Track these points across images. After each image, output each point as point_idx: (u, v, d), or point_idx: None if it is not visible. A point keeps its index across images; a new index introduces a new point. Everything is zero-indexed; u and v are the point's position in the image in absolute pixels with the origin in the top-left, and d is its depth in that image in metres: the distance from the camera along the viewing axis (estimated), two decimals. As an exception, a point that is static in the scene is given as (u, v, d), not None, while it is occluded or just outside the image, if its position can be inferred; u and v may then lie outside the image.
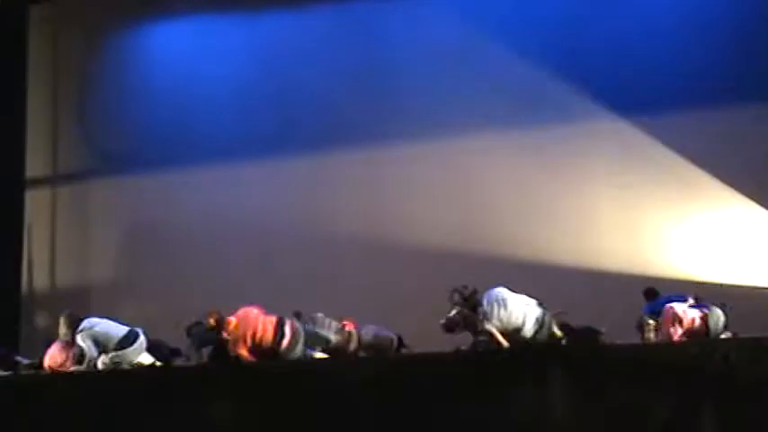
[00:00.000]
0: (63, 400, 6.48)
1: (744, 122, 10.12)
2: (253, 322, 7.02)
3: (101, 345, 7.48)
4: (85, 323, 7.63)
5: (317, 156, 11.48)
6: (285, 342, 6.90)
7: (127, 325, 7.79)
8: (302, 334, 7.07)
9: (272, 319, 7.08)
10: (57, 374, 7.47)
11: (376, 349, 7.98)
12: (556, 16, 11.07)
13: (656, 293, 8.32)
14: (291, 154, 11.60)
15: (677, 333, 7.22)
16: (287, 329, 6.99)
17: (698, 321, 7.31)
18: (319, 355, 7.27)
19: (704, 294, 9.51)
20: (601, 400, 4.77)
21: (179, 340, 9.28)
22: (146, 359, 7.63)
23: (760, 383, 4.56)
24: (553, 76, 10.76)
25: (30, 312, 12.06)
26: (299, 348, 6.99)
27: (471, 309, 7.04)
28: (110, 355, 7.40)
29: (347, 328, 7.51)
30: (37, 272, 12.40)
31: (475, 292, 7.30)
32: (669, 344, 7.05)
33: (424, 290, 8.73)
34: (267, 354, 6.90)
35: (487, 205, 10.60)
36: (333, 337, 7.33)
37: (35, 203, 12.64)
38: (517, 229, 9.52)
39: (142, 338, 7.57)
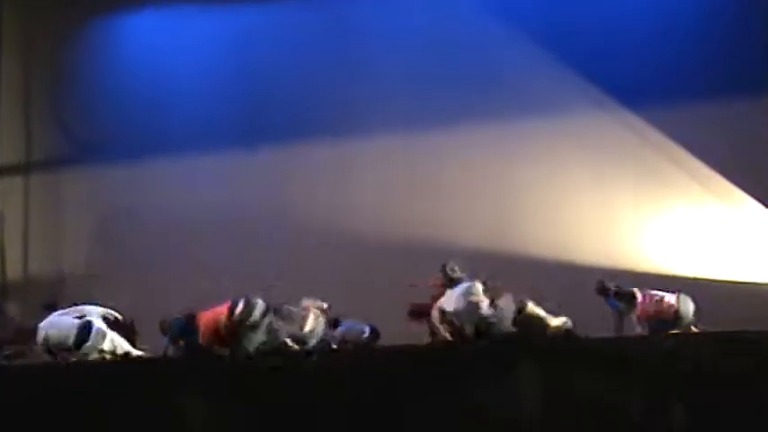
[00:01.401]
0: (35, 391, 6.41)
1: (721, 117, 10.17)
2: (210, 314, 7.12)
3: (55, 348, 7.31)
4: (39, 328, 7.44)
5: (290, 147, 11.46)
6: (238, 311, 6.99)
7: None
8: (260, 304, 7.11)
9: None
10: (29, 366, 7.39)
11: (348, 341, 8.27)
12: (533, 7, 11.08)
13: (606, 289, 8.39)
14: (264, 145, 11.58)
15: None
16: (240, 302, 7.06)
17: (672, 302, 7.68)
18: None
19: (679, 288, 9.63)
20: (573, 392, 4.78)
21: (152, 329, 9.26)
22: (111, 343, 7.51)
23: (731, 377, 4.59)
24: (530, 68, 10.77)
25: (2, 300, 11.98)
26: (257, 315, 7.03)
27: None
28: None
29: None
30: (10, 260, 12.31)
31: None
32: (641, 337, 7.10)
33: (396, 283, 8.70)
34: (231, 331, 6.96)
35: (462, 197, 10.60)
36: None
37: (8, 191, 12.55)
38: (492, 222, 9.54)
39: (97, 328, 7.38)
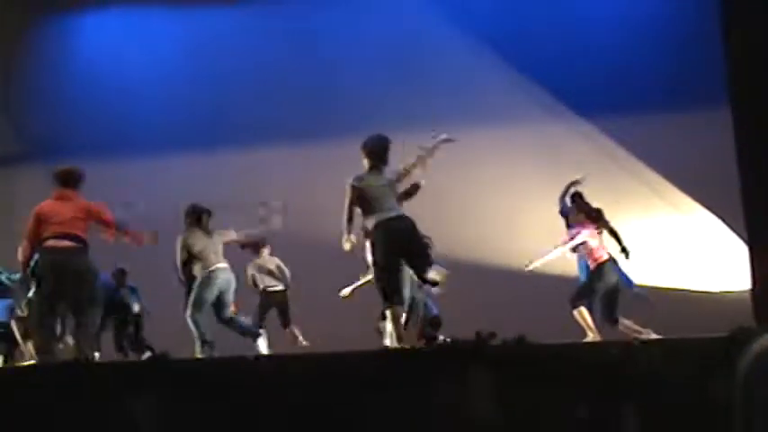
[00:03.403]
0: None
1: (675, 127, 10.31)
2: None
3: None
4: None
5: (249, 150, 11.42)
6: None
7: None
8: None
9: None
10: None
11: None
12: (491, 16, 11.16)
13: None
14: (223, 147, 11.53)
15: None
16: None
17: None
18: None
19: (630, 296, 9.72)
20: (523, 398, 4.81)
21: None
22: None
23: (681, 384, 4.65)
24: (486, 75, 10.84)
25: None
26: None
27: None
28: None
29: None
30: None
31: None
32: (592, 344, 7.18)
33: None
34: None
35: (417, 204, 10.60)
36: None
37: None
38: (446, 229, 9.50)
39: None
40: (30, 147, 12.49)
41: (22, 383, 6.05)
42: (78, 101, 12.19)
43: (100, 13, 12.65)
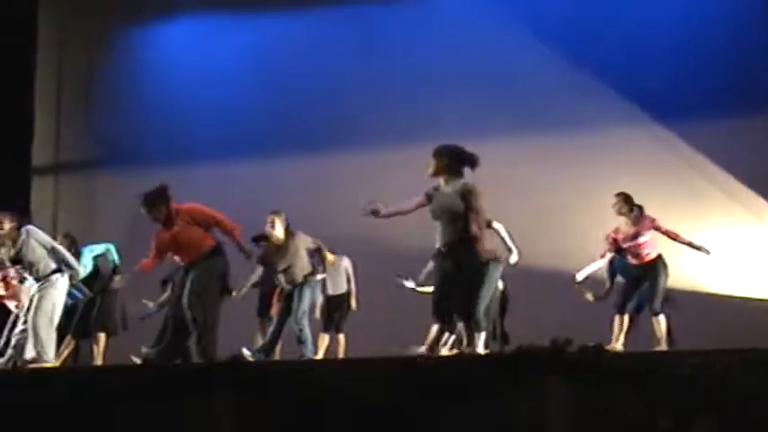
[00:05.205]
0: (57, 396, 6.39)
1: (754, 130, 10.09)
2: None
3: None
4: None
5: (315, 158, 11.50)
6: None
7: None
8: None
9: None
10: (48, 370, 7.41)
11: None
12: (561, 20, 11.03)
13: None
14: (290, 155, 11.61)
15: None
16: None
17: None
18: None
19: (709, 305, 9.52)
20: (597, 408, 4.73)
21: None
22: None
23: (758, 395, 4.52)
24: (559, 83, 10.72)
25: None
26: None
27: None
28: None
29: None
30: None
31: None
32: (669, 352, 7.05)
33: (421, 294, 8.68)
34: None
35: (491, 205, 10.53)
36: None
37: (39, 192, 12.69)
38: (519, 238, 9.36)
39: None
40: (106, 154, 12.77)
41: (96, 384, 6.16)
42: (154, 108, 12.41)
43: (175, 23, 12.87)
